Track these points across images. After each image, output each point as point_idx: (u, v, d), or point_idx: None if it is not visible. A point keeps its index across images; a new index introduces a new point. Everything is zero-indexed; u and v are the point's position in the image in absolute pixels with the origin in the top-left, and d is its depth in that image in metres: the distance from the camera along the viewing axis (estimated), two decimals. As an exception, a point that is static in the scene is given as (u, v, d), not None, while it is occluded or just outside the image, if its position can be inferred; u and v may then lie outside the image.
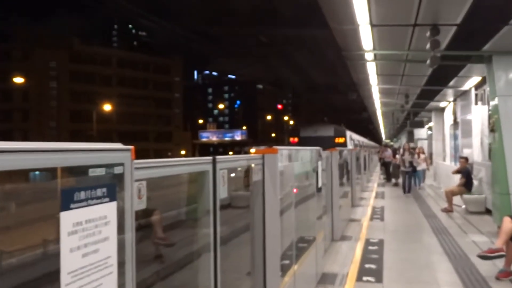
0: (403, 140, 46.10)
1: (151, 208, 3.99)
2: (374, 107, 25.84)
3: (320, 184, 6.49)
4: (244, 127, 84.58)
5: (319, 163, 6.35)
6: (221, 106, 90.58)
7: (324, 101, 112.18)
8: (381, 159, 24.00)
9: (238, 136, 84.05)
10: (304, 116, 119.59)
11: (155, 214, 4.26)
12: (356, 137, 26.90)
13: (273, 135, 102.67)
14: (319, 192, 6.47)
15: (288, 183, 4.66)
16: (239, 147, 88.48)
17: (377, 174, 27.34)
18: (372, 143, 58.41)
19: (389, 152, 22.77)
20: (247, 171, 3.92)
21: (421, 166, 17.72)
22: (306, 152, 5.67)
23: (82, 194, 1.79)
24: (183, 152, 76.22)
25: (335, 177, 8.19)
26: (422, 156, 18.00)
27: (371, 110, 29.60)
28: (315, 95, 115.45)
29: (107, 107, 54.25)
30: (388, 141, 63.82)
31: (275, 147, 4.20)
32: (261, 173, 4.02)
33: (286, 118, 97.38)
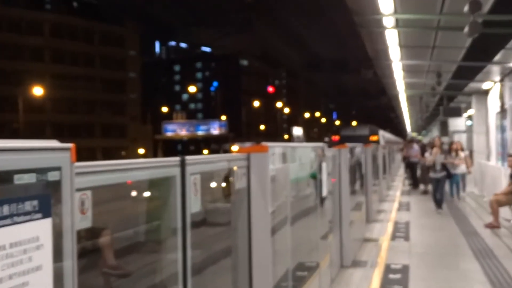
0: (434, 133, 46.59)
1: (99, 226, 4.00)
2: (395, 89, 26.08)
3: (324, 193, 6.58)
4: (224, 117, 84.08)
5: (323, 164, 6.43)
6: (192, 89, 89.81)
7: (329, 82, 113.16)
8: (406, 158, 24.22)
9: (215, 129, 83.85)
10: (303, 102, 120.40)
11: (104, 234, 4.21)
12: (388, 135, 33.13)
13: (262, 127, 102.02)
14: (324, 204, 6.58)
15: (282, 191, 4.75)
16: (217, 144, 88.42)
17: (400, 179, 27.61)
18: (393, 137, 58.80)
19: (415, 149, 22.94)
20: (228, 176, 3.97)
21: (461, 169, 17.72)
22: (306, 150, 5.72)
23: (5, 209, 1.77)
24: (141, 151, 76.07)
25: (345, 183, 8.27)
26: (461, 154, 18.00)
27: (392, 94, 29.85)
28: (318, 75, 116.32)
29: (38, 91, 53.38)
30: (414, 134, 64.13)
31: (264, 143, 4.23)
32: (246, 178, 4.08)
33: (279, 104, 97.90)
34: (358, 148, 11.29)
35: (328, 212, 7.29)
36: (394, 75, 19.92)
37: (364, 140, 25.20)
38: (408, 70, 19.06)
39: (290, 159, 5.04)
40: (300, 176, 5.66)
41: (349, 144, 8.98)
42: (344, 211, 8.32)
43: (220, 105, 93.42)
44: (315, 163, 6.11)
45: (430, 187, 18.19)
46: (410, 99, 30.17)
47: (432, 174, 15.78)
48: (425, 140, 43.64)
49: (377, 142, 27.32)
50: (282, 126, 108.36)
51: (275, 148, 4.53)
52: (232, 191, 4.03)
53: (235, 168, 3.98)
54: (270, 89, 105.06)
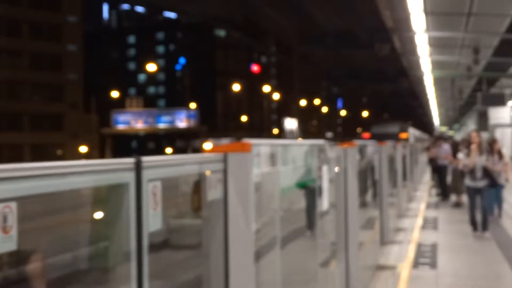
0: (469, 127, 46.51)
1: (27, 249, 4.03)
2: (419, 70, 26.23)
3: (325, 206, 6.65)
4: (193, 105, 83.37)
5: (324, 168, 6.54)
6: (151, 67, 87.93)
7: (333, 60, 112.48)
8: (432, 160, 24.35)
9: (182, 121, 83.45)
10: (298, 86, 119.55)
11: (33, 260, 4.20)
12: (417, 132, 38.26)
13: (244, 119, 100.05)
14: (324, 220, 6.67)
15: (269, 203, 4.83)
16: (184, 141, 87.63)
17: (425, 187, 27.82)
18: (415, 132, 60.38)
19: (445, 148, 23.04)
20: (198, 184, 4.01)
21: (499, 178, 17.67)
22: (301, 150, 5.76)
23: None
24: (83, 148, 75.53)
25: (353, 193, 8.32)
26: (506, 157, 17.94)
27: (415, 76, 29.99)
28: (318, 50, 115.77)
29: None
30: (444, 129, 64.22)
31: (246, 140, 4.27)
32: (223, 186, 4.11)
33: (267, 88, 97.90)
34: (370, 147, 11.40)
35: (330, 231, 7.40)
36: (418, 51, 20.01)
37: (394, 138, 29.66)
38: (436, 45, 19.18)
39: (281, 161, 5.10)
40: (294, 183, 5.77)
41: (358, 142, 9.05)
42: (351, 229, 8.38)
43: (189, 89, 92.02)
44: (314, 166, 6.18)
45: (464, 198, 18.24)
46: (438, 82, 30.24)
47: (469, 182, 15.03)
48: (458, 136, 43.81)
49: (407, 140, 31.38)
50: (271, 117, 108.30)
51: (261, 146, 4.59)
52: (204, 203, 4.08)
53: (208, 173, 4.02)
54: (255, 68, 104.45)
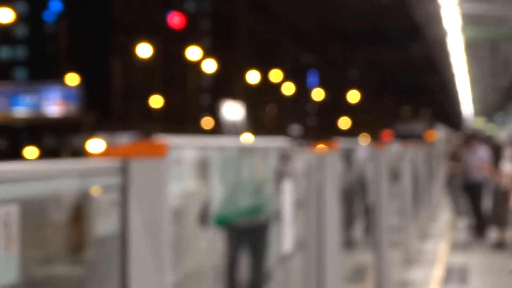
0: None
1: None
2: (441, 27, 24.15)
3: (288, 246, 6.14)
4: (73, 79, 74.19)
5: (286, 185, 5.96)
6: (3, 15, 77.59)
7: (302, 10, 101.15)
8: (459, 175, 21.91)
9: (53, 104, 71.54)
10: (245, 50, 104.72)
11: None
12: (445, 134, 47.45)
13: (157, 102, 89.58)
14: (285, 270, 6.21)
15: (195, 242, 4.38)
16: (57, 137, 75.31)
17: (449, 215, 25.82)
18: (447, 131, 61.07)
19: (481, 154, 20.56)
20: (79, 209, 3.61)
21: None
22: (250, 155, 5.35)
23: None
24: None
25: (331, 226, 7.41)
26: None
27: (434, 37, 27.98)
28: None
29: None
30: (479, 122, 61.16)
31: (160, 138, 3.80)
32: (121, 213, 3.67)
33: (194, 53, 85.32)
34: (361, 151, 10.86)
35: (297, 285, 6.89)
36: None
37: (419, 137, 34.80)
38: None
39: (217, 174, 4.61)
40: (237, 210, 5.19)
41: (343, 144, 8.07)
42: (329, 283, 7.39)
43: (66, 53, 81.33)
44: (269, 182, 5.66)
45: (511, 234, 16.90)
46: (471, 48, 27.79)
47: None
48: (502, 135, 38.40)
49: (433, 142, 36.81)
50: (200, 101, 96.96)
51: (184, 149, 3.95)
52: (89, 240, 3.66)
53: (95, 191, 3.62)
54: (176, 19, 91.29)
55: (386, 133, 69.18)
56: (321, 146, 8.01)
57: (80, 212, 3.58)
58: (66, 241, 3.46)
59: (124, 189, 3.72)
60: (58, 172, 3.40)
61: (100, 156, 3.75)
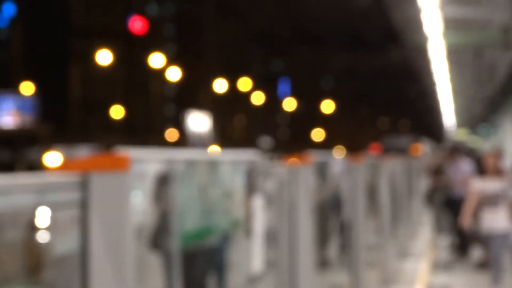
0: (508, 130, 42.79)
1: None
2: (421, 32, 24.24)
3: (257, 266, 6.02)
4: (28, 88, 72.81)
5: (256, 201, 5.91)
6: None
7: (272, 11, 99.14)
8: (443, 189, 21.95)
9: (7, 115, 69.80)
10: (213, 56, 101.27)
11: None
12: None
13: (117, 113, 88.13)
14: None
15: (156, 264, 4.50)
16: (11, 150, 71.69)
17: (429, 232, 25.86)
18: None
19: (464, 168, 20.57)
20: (34, 227, 3.71)
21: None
22: (218, 168, 5.21)
23: None
24: None
25: (305, 245, 7.45)
26: None
27: (413, 42, 27.99)
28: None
29: None
30: (462, 135, 62.18)
31: (121, 151, 3.76)
32: (80, 232, 3.51)
33: (157, 60, 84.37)
34: (336, 164, 10.54)
35: None
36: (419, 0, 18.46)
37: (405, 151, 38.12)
38: None
39: (181, 188, 4.43)
40: (188, 232, 4.97)
41: (317, 157, 8.10)
42: None
43: (21, 60, 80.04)
44: (233, 199, 5.54)
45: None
46: (454, 54, 27.87)
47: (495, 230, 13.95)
48: (486, 146, 38.86)
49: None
50: (164, 111, 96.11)
51: (147, 162, 3.94)
52: (45, 260, 3.58)
53: (50, 209, 3.55)
54: (137, 24, 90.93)
55: (374, 147, 72.31)
56: (293, 159, 8.04)
57: (35, 230, 3.58)
58: (21, 260, 3.47)
59: (84, 205, 3.67)
60: (13, 186, 3.26)
61: (58, 170, 3.68)
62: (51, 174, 3.56)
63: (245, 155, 5.89)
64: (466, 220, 14.09)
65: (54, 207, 3.50)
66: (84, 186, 3.58)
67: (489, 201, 13.69)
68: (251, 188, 5.75)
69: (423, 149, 57.71)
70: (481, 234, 15.04)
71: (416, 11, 18.96)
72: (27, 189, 3.28)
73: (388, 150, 41.01)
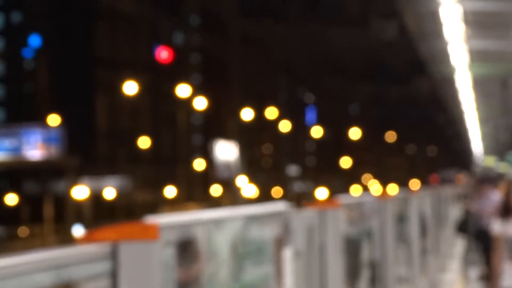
0: None
1: None
2: (448, 64, 23.73)
3: None
4: (55, 120, 72.19)
5: (286, 253, 5.66)
6: None
7: (298, 43, 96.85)
8: (472, 219, 21.34)
9: (34, 148, 69.00)
10: (238, 85, 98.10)
11: None
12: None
13: (144, 142, 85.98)
14: None
15: None
16: (38, 182, 67.30)
17: (459, 264, 25.55)
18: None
19: (494, 199, 19.90)
20: None
21: None
22: (246, 226, 4.82)
23: None
24: None
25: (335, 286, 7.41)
26: None
27: (440, 74, 27.50)
28: (271, 26, 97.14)
29: None
30: (490, 161, 60.17)
31: (150, 219, 3.65)
32: None
33: (184, 90, 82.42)
34: (367, 203, 10.51)
35: None
36: (445, 33, 18.18)
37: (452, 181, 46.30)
38: (477, 23, 17.51)
39: (208, 253, 4.38)
40: None
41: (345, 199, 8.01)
42: None
43: (48, 92, 78.95)
44: (267, 252, 5.30)
45: None
46: (481, 84, 27.53)
47: None
48: None
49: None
50: (191, 141, 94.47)
51: (176, 228, 3.90)
52: None
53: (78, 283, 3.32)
54: (164, 53, 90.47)
55: (434, 178, 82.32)
56: (322, 203, 7.93)
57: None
58: None
59: (113, 276, 3.54)
60: (35, 267, 3.02)
61: (86, 241, 3.54)
62: (80, 246, 3.40)
63: (274, 207, 5.78)
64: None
65: (81, 281, 3.29)
66: (113, 256, 3.47)
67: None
68: (281, 242, 5.61)
69: (464, 178, 60.20)
70: None
71: (443, 44, 18.84)
72: (43, 267, 3.03)
73: (443, 181, 45.96)
